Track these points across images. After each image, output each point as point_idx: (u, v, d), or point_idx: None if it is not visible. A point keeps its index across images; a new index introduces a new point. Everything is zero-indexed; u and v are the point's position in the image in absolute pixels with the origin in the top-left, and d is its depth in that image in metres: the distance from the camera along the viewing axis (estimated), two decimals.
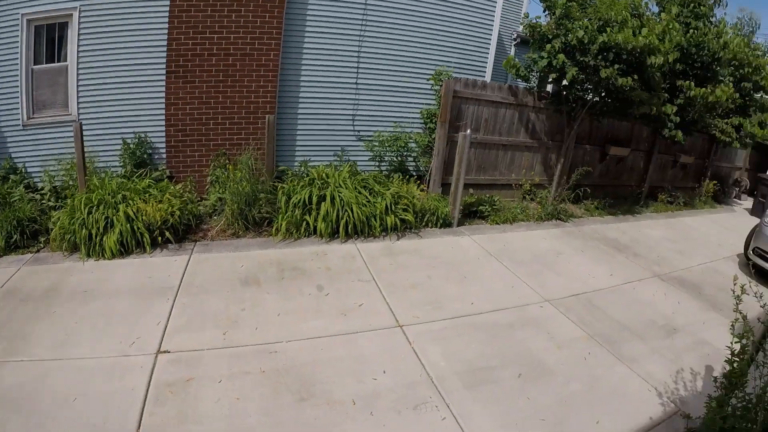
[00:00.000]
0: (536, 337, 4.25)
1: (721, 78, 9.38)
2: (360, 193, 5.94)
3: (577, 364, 3.98)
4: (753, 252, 7.02)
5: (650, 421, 3.49)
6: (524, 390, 3.51)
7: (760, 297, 2.80)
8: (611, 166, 9.67)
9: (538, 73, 7.48)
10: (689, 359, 4.48)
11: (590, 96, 7.50)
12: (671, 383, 4.04)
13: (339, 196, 5.71)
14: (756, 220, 8.73)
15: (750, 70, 9.91)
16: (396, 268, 5.04)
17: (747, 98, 10.27)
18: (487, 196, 7.29)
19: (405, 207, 6.13)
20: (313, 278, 4.62)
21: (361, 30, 6.90)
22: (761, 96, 10.54)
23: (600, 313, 4.95)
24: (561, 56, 6.67)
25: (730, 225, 10.09)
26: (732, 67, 9.78)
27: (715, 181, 11.87)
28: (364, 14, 6.85)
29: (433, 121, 7.18)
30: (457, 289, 4.80)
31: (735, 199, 13.66)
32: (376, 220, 5.80)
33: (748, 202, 13.37)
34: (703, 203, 11.13)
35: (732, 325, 2.88)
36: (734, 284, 2.84)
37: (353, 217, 5.63)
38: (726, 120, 10.09)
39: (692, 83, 8.64)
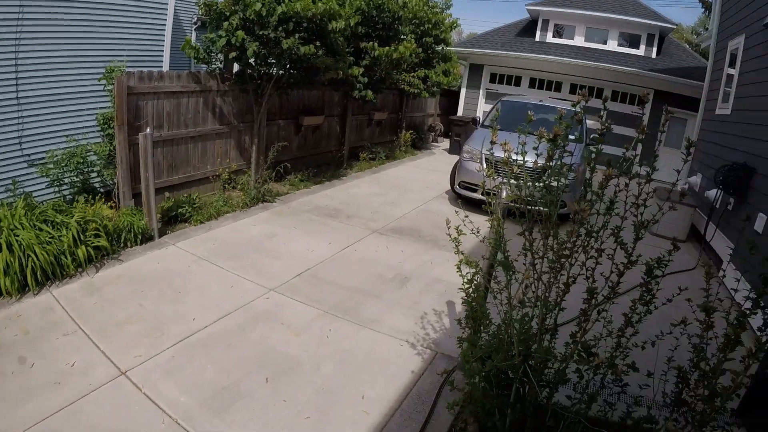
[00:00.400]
0: (271, 332, 4.27)
1: (404, 36, 10.82)
2: (41, 230, 5.69)
3: (322, 345, 4.07)
4: (459, 186, 8.36)
5: (413, 374, 3.70)
6: (278, 393, 3.49)
7: (478, 231, 2.93)
8: (308, 137, 10.28)
9: (219, 54, 7.43)
10: (429, 301, 4.84)
11: (275, 69, 7.78)
12: (420, 330, 4.29)
13: (17, 240, 5.39)
14: (455, 158, 9.75)
15: (430, 26, 11.76)
16: (102, 306, 4.74)
17: (430, 51, 12.28)
18: (186, 195, 7.23)
19: (96, 232, 6.00)
20: (11, 350, 4.04)
21: (17, 32, 6.24)
22: (442, 48, 12.70)
23: (328, 286, 5.09)
24: (240, 33, 6.76)
25: (432, 167, 12.08)
26: (413, 25, 11.39)
27: (411, 131, 13.95)
28: (19, 13, 6.20)
29: (111, 126, 6.84)
30: (175, 309, 4.64)
31: (433, 143, 16.16)
32: (66, 256, 5.59)
33: (446, 144, 15.93)
34: (404, 153, 13.16)
35: (458, 267, 3.04)
36: (448, 227, 2.99)
37: (39, 260, 5.32)
38: (413, 74, 11.95)
39: (376, 44, 9.62)
